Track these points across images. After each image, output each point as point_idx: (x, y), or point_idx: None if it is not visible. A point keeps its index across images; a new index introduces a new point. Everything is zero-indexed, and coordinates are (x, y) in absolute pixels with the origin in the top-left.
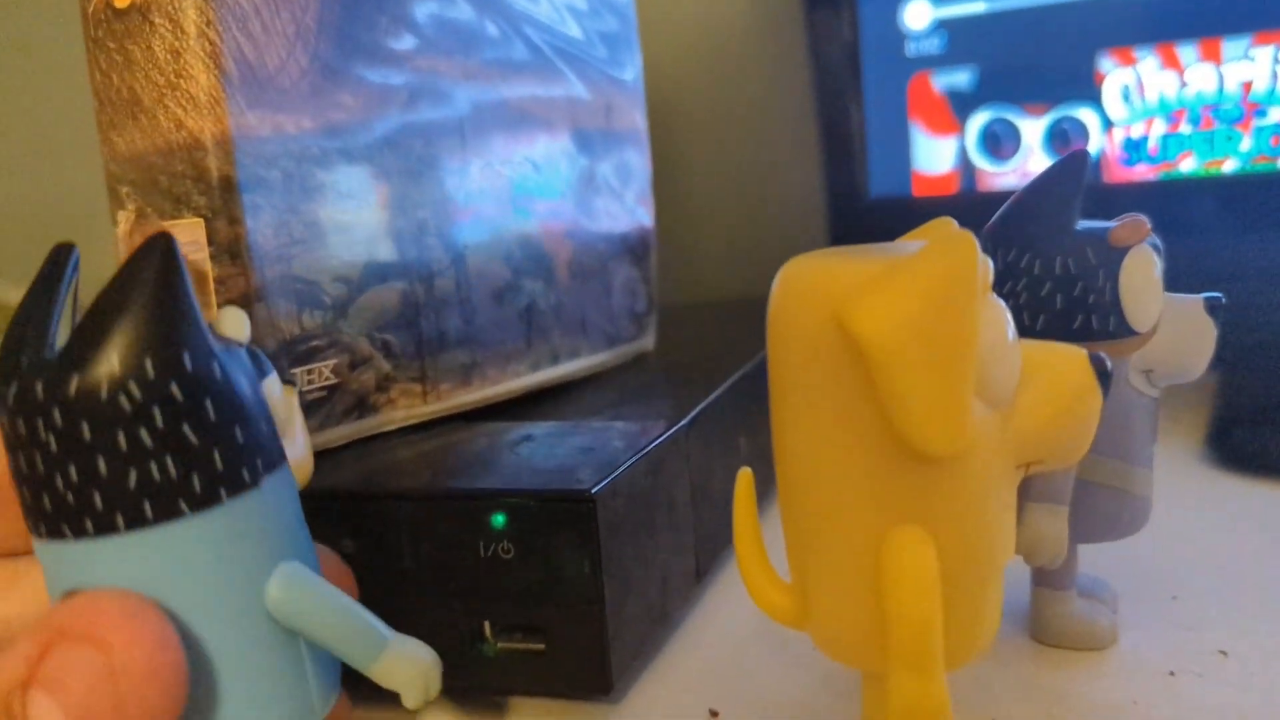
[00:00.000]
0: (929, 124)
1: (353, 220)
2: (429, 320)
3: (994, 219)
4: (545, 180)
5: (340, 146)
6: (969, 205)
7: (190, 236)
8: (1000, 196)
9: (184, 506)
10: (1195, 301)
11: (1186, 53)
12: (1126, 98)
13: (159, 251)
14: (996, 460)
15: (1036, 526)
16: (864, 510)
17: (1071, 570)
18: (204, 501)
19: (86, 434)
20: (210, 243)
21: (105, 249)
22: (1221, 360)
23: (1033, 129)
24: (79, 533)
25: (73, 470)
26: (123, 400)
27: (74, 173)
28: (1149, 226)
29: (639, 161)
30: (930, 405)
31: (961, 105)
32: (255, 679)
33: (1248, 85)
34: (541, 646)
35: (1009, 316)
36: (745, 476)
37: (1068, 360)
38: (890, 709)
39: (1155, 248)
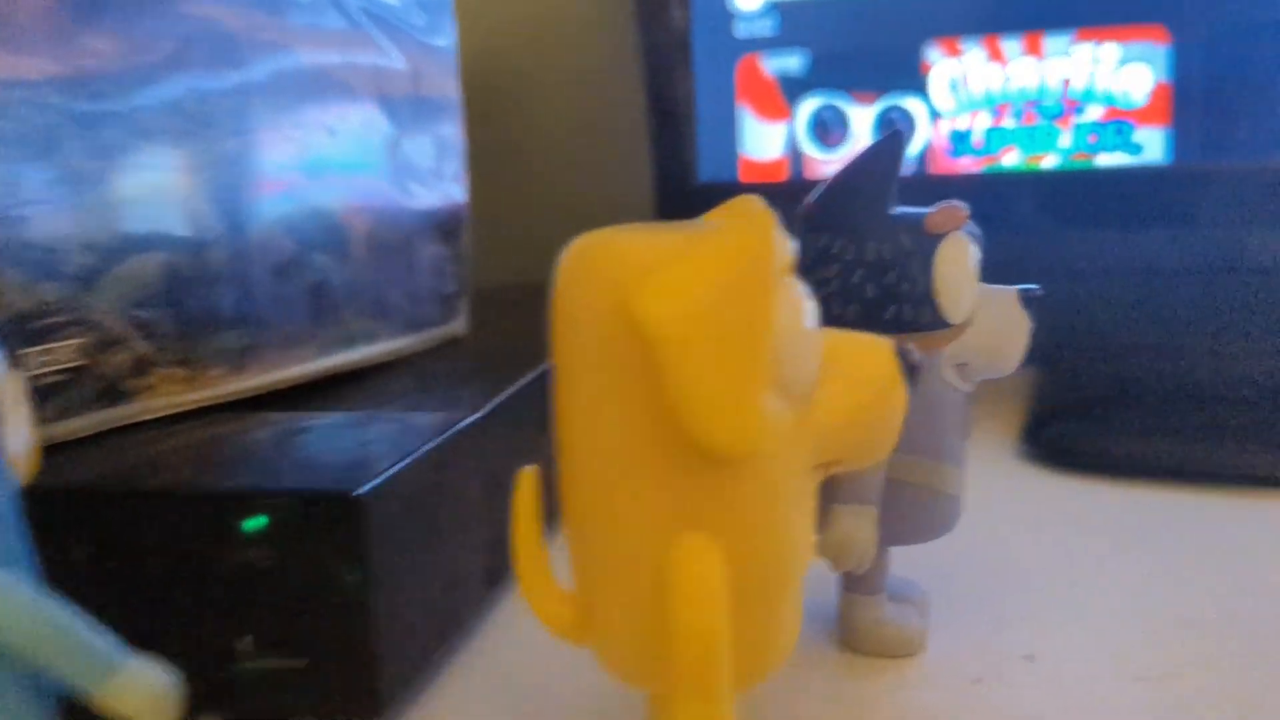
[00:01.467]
0: (758, 108)
1: (107, 182)
2: (197, 297)
3: (808, 201)
4: (343, 149)
5: (92, 98)
6: (798, 193)
7: None
8: None
9: None
10: (1010, 293)
11: (1011, 46)
12: (954, 89)
13: None
14: (793, 460)
15: (842, 530)
16: (648, 515)
17: (881, 574)
18: None
19: None
20: None
21: None
22: (1037, 355)
23: (862, 117)
24: None
25: None
26: None
27: None
28: (966, 213)
29: (451, 133)
30: (720, 399)
31: (791, 90)
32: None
33: (1067, 82)
34: (303, 664)
35: (809, 302)
36: (528, 476)
37: (872, 351)
38: None
39: (973, 236)
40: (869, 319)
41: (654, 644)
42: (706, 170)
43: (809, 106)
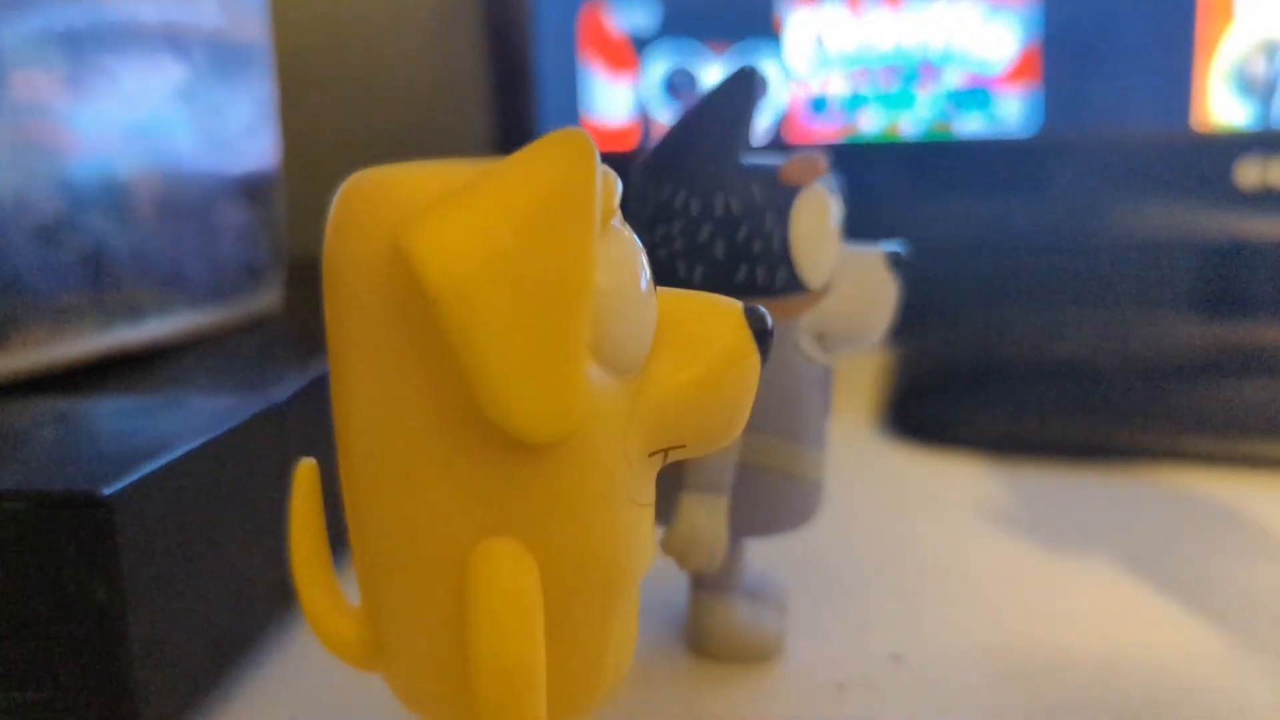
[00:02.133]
0: (604, 66)
1: None
2: None
3: (651, 149)
4: (126, 96)
5: None
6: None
7: None
8: None
9: None
10: (876, 254)
11: (870, 7)
12: (812, 51)
13: None
14: (621, 444)
15: (689, 523)
16: (443, 515)
17: (735, 571)
18: None
19: None
20: None
21: None
22: (897, 328)
23: (715, 76)
24: None
25: None
26: None
27: None
28: (825, 164)
29: (259, 87)
30: (525, 369)
31: (639, 46)
32: None
33: (926, 45)
34: (44, 697)
35: (642, 254)
36: (306, 470)
37: (717, 314)
38: None
39: (833, 191)
40: (717, 281)
41: (455, 672)
42: (548, 129)
43: (659, 66)
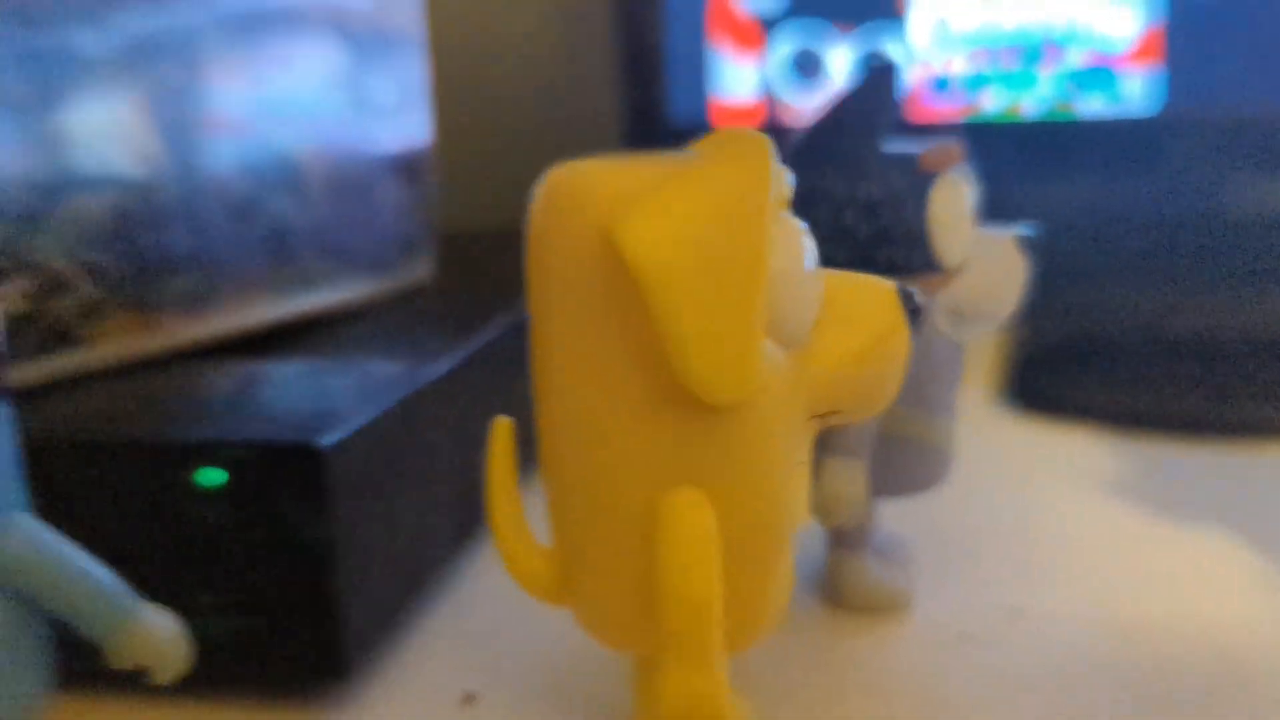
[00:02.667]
0: (732, 46)
1: (50, 116)
2: (148, 238)
3: (795, 138)
4: (300, 85)
5: (38, 30)
6: (771, 135)
7: None
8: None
9: None
10: (1007, 236)
11: None
12: (936, 33)
13: None
14: (789, 409)
15: (832, 484)
16: (634, 469)
17: (868, 530)
18: None
19: None
20: None
21: None
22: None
23: (840, 58)
24: None
25: None
26: None
27: None
28: (961, 152)
29: (414, 72)
30: (713, 342)
31: (768, 27)
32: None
33: (1050, 25)
34: (263, 624)
35: (809, 240)
36: (503, 427)
37: (874, 294)
38: (662, 699)
39: (968, 177)
40: (860, 261)
41: (640, 605)
42: (677, 113)
43: (785, 45)
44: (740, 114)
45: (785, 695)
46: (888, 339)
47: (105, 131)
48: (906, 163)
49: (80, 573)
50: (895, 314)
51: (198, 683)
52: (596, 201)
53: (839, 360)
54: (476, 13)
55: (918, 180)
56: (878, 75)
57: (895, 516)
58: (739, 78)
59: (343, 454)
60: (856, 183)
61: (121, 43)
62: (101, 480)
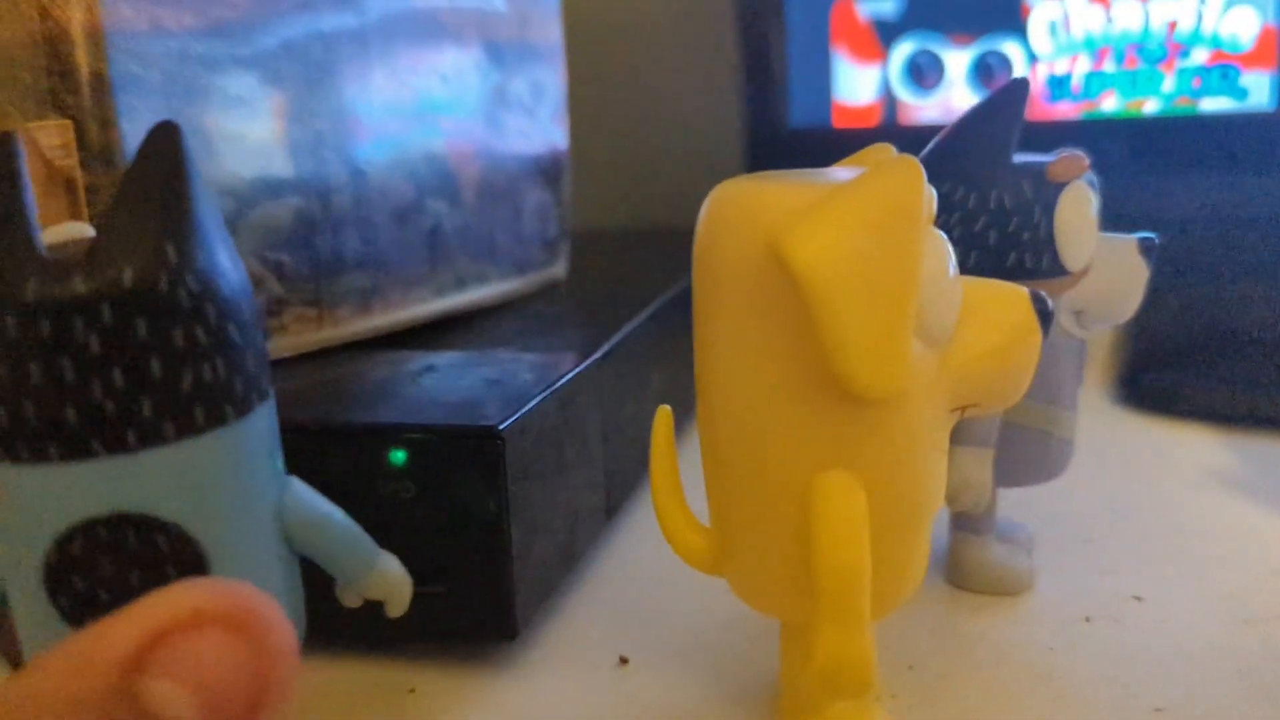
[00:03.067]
0: (852, 52)
1: (242, 129)
2: (325, 240)
3: (928, 149)
4: (453, 95)
5: (229, 47)
6: (890, 138)
7: (58, 139)
8: (922, 130)
9: (229, 412)
10: (1129, 242)
11: None
12: (1053, 32)
13: (175, 143)
14: (931, 403)
15: (962, 470)
16: (791, 453)
17: (991, 515)
18: (243, 407)
19: (142, 331)
20: (80, 147)
21: None
22: None
23: (958, 61)
24: (115, 447)
25: (118, 374)
26: (181, 295)
27: None
28: (1087, 162)
29: (553, 79)
30: (868, 343)
31: (886, 33)
32: (283, 592)
33: (1173, 24)
34: (443, 590)
35: (951, 250)
36: (665, 415)
37: (1009, 298)
38: (814, 660)
39: (1092, 185)
40: (989, 266)
41: (793, 575)
42: (798, 115)
43: (904, 50)
44: (859, 117)
45: (907, 667)
46: (1021, 340)
47: (288, 141)
48: (1035, 173)
49: (342, 525)
50: (1028, 316)
51: (386, 642)
52: (761, 215)
53: (977, 358)
54: (607, 20)
55: (1046, 189)
56: (1009, 90)
57: (1017, 505)
58: (858, 82)
59: (516, 436)
60: (988, 192)
61: (299, 53)
62: (299, 461)
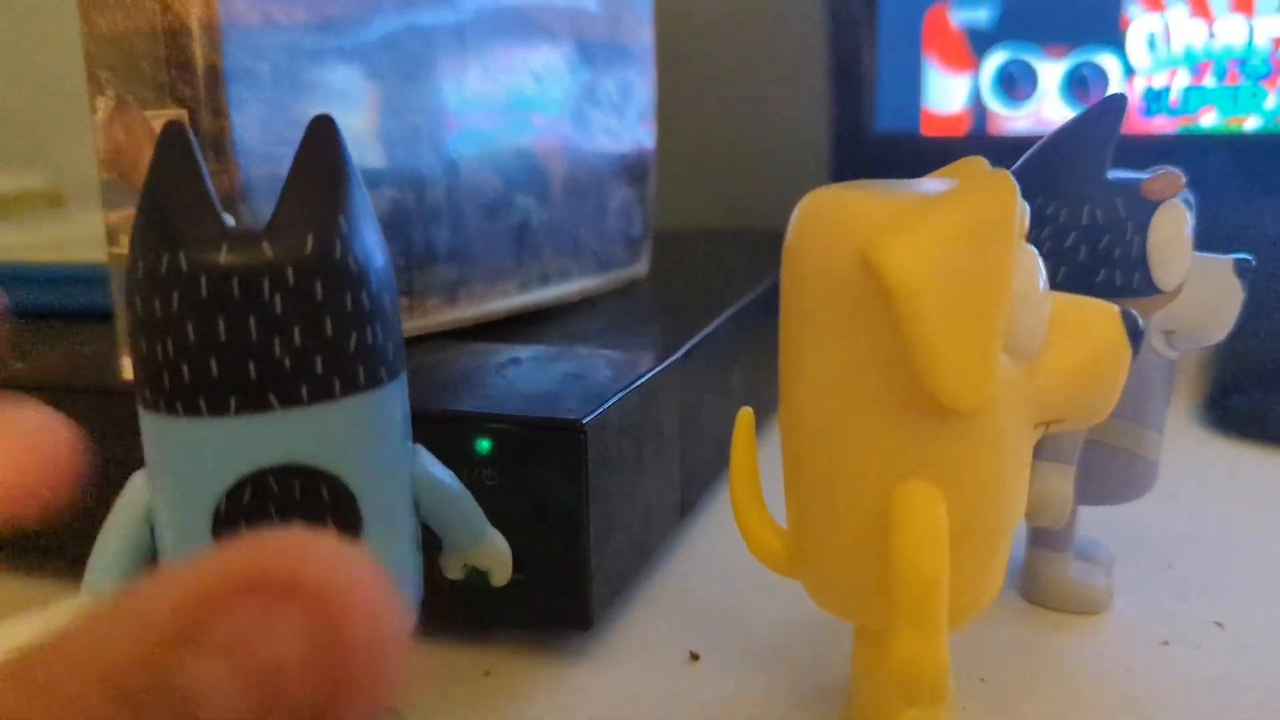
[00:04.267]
0: (943, 60)
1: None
2: (418, 231)
3: (1021, 162)
4: (545, 92)
5: (334, 42)
6: (978, 148)
7: None
8: (1012, 141)
9: (383, 375)
10: (1224, 262)
11: (1218, 2)
12: (1151, 46)
13: (334, 133)
14: (1017, 416)
15: (1043, 486)
16: (874, 461)
17: (1071, 532)
18: (393, 372)
19: (319, 293)
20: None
21: (83, 138)
22: None
23: (1051, 72)
24: (290, 401)
25: (297, 333)
26: (351, 262)
27: (57, 56)
28: (1184, 181)
29: (643, 80)
30: (957, 354)
31: (979, 42)
32: (410, 554)
33: (1278, 41)
34: (520, 578)
35: (1042, 265)
36: (746, 416)
37: (1099, 315)
38: (889, 666)
39: (1187, 203)
40: (1079, 282)
41: (870, 581)
42: (885, 120)
43: (996, 60)
44: (948, 125)
45: (979, 679)
46: (1110, 357)
47: (386, 133)
48: (1130, 189)
49: (464, 494)
50: (1118, 334)
51: (465, 627)
52: (852, 224)
53: (1064, 374)
54: (698, 23)
55: (1141, 206)
56: (1106, 105)
57: (1097, 526)
58: (949, 90)
59: (598, 429)
60: (1081, 207)
61: (397, 48)
62: None
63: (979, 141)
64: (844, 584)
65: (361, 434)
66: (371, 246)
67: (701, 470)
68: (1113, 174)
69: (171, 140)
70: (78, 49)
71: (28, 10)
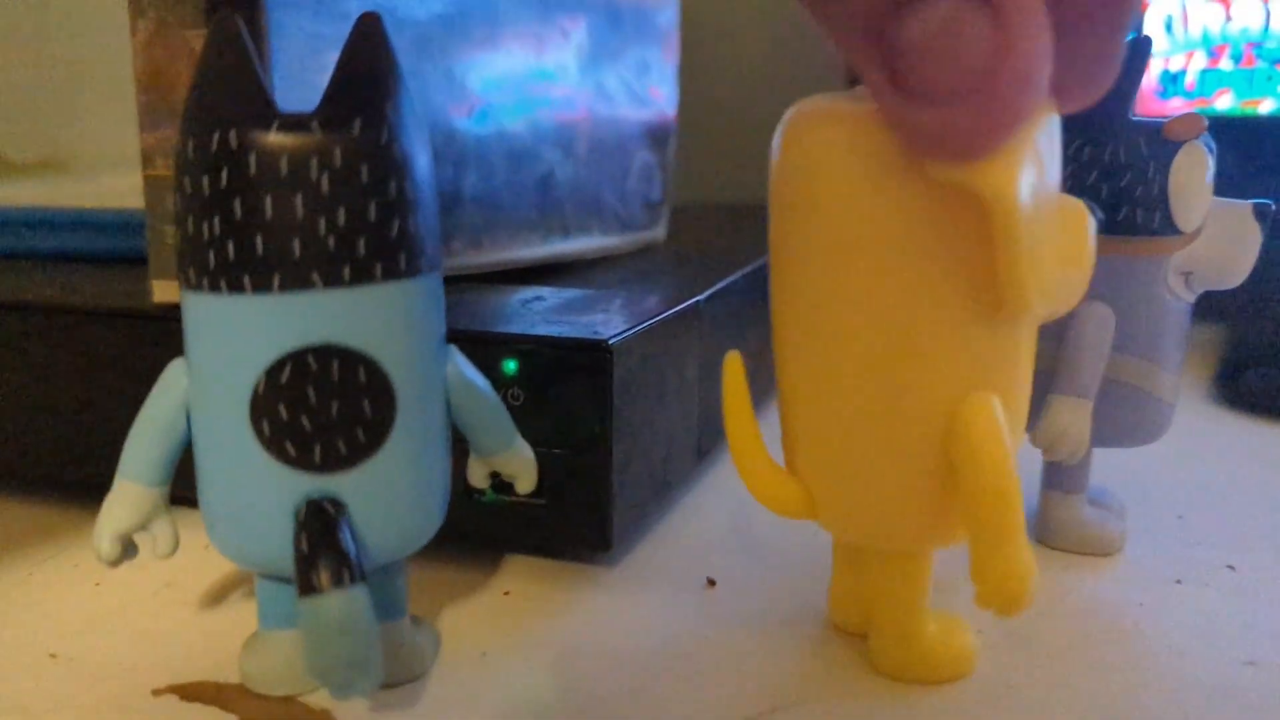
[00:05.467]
0: None
1: None
2: (446, 173)
3: None
4: (574, 50)
5: None
6: None
7: None
8: None
9: (423, 265)
10: (1244, 206)
11: None
12: (1169, 28)
13: (381, 30)
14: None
15: (1060, 419)
16: (943, 375)
17: (1084, 474)
18: (432, 264)
19: (364, 176)
20: None
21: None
22: (1231, 304)
23: None
24: (332, 281)
25: (342, 214)
26: (396, 149)
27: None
28: (1205, 123)
29: (668, 47)
30: (1034, 262)
31: None
32: (441, 453)
33: None
34: (542, 502)
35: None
36: (734, 359)
37: (1072, 208)
38: (988, 583)
39: (1209, 147)
40: (1101, 220)
41: (924, 501)
42: None
43: None
44: None
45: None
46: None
47: (420, 74)
48: (1152, 130)
49: (495, 398)
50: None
51: (491, 544)
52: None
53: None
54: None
55: (1162, 147)
56: (1132, 46)
57: (1110, 478)
58: None
59: (624, 352)
60: (1104, 146)
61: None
62: None
63: None
64: (888, 510)
65: (400, 320)
66: (416, 140)
67: (718, 420)
68: (1138, 117)
69: (223, 29)
70: (84, 30)
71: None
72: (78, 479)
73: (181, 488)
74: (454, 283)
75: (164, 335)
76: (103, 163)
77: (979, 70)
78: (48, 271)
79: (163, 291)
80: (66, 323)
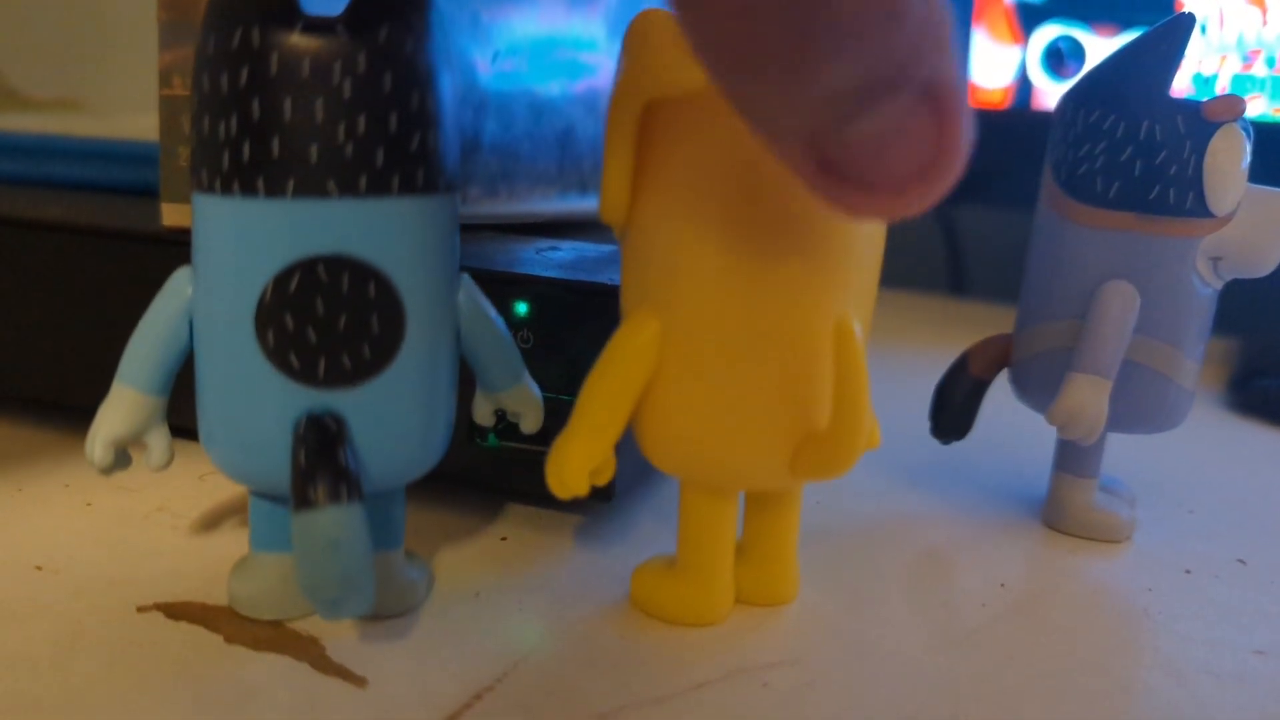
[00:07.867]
0: (992, 32)
1: None
2: (466, 117)
3: (1083, 75)
4: (603, 16)
5: None
6: (1021, 122)
7: None
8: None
9: (441, 184)
10: (1278, 194)
11: None
12: (1204, 30)
13: None
14: None
15: (1077, 396)
16: (818, 304)
17: (1096, 459)
18: (451, 184)
19: (388, 85)
20: None
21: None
22: (1245, 315)
23: (1100, 50)
24: (347, 190)
25: (362, 122)
26: (422, 61)
27: None
28: (1244, 105)
29: None
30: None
31: (1029, 17)
32: (447, 381)
33: None
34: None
35: None
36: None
37: None
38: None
39: (1246, 131)
40: (1132, 197)
41: (796, 418)
42: None
43: (1045, 35)
44: (991, 99)
45: (999, 584)
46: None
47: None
48: (1191, 109)
49: (504, 332)
50: None
51: (492, 490)
52: None
53: None
54: None
55: (1200, 127)
56: (1174, 23)
57: (1122, 473)
58: (995, 63)
59: None
60: (1140, 122)
61: None
62: None
63: (1021, 115)
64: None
65: (414, 237)
66: (443, 56)
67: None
68: (1176, 95)
69: None
70: None
71: None
72: (77, 402)
73: (180, 418)
74: (470, 231)
75: (173, 261)
76: (122, 105)
77: (924, 164)
78: (60, 198)
79: (172, 215)
80: (73, 243)
